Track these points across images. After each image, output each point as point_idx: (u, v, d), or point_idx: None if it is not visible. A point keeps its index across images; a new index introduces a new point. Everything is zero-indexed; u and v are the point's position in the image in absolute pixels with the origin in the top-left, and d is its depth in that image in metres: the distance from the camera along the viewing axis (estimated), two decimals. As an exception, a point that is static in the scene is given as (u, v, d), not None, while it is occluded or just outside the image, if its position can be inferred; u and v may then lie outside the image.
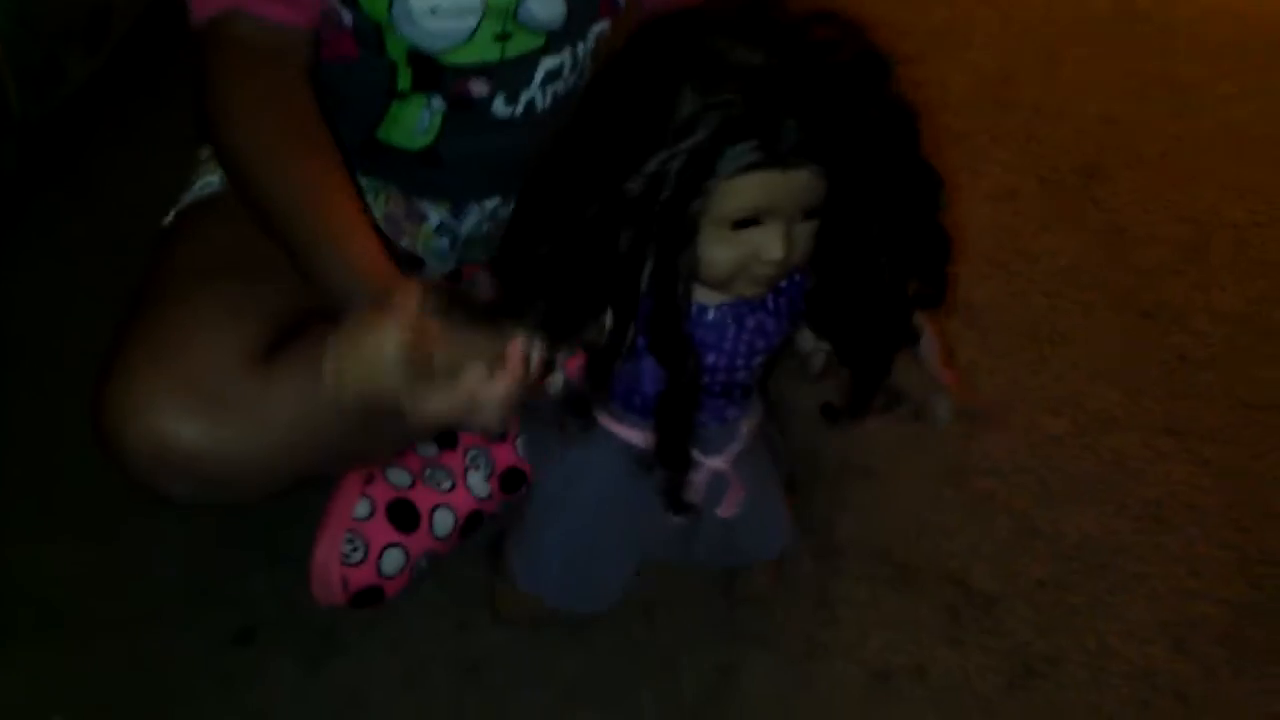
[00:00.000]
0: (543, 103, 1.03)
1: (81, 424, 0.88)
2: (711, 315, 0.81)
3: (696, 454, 0.84)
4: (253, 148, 0.87)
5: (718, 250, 0.74)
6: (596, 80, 0.78)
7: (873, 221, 0.76)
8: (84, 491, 1.02)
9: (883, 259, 0.77)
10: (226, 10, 0.88)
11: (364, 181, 1.05)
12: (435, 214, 1.10)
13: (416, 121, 1.01)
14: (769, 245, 0.73)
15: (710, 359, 0.82)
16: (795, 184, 0.71)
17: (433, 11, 0.92)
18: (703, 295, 0.79)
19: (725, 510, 0.88)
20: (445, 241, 1.11)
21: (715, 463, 0.86)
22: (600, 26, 1.04)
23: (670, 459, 0.82)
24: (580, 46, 1.03)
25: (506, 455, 1.04)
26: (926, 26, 1.71)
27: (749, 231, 0.73)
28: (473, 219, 1.12)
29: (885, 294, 0.79)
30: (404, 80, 0.98)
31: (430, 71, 0.97)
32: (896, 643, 1.02)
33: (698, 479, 0.85)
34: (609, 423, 0.86)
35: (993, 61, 1.65)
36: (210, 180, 1.00)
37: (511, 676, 0.98)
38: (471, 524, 1.04)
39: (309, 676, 0.97)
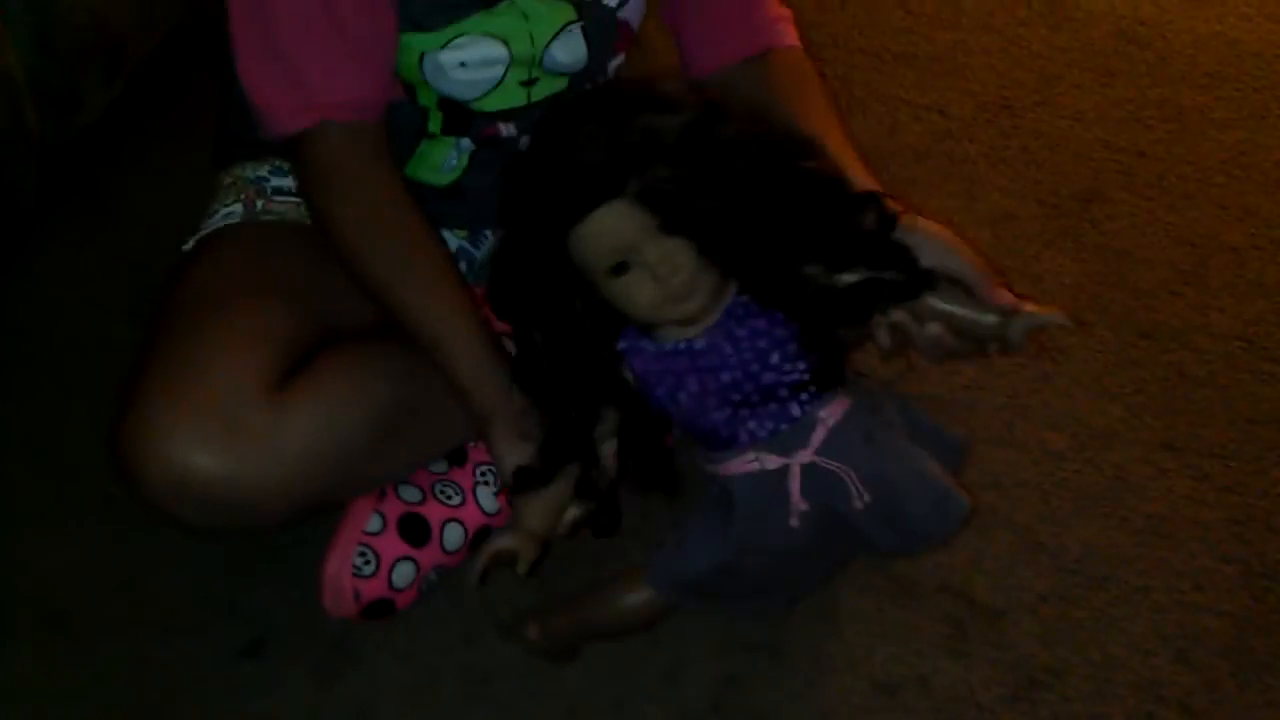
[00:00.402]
0: None
1: (94, 437, 0.90)
2: (702, 343, 0.86)
3: (777, 456, 0.86)
4: (376, 267, 0.92)
5: (625, 299, 0.83)
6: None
7: (750, 226, 0.81)
8: (96, 500, 1.04)
9: (784, 260, 0.84)
10: (313, 126, 0.91)
11: None
12: (453, 240, 1.13)
13: (444, 160, 1.04)
14: (639, 283, 0.81)
15: (725, 378, 0.85)
16: (612, 219, 0.79)
17: (462, 65, 0.95)
18: (679, 332, 0.86)
19: (856, 501, 0.87)
20: (463, 265, 1.13)
21: (803, 457, 0.87)
22: (617, 61, 1.07)
23: (654, 483, 0.90)
24: (600, 80, 1.06)
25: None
26: (928, 52, 1.73)
27: (629, 274, 0.81)
28: (489, 244, 1.15)
29: (806, 286, 0.84)
30: (434, 124, 1.01)
31: (460, 116, 1.00)
32: (900, 655, 1.02)
33: (791, 481, 0.87)
34: (715, 468, 0.89)
35: (993, 87, 1.68)
36: (233, 209, 1.03)
37: (519, 688, 0.99)
38: (480, 538, 1.05)
39: (318, 688, 0.98)
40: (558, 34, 0.97)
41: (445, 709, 0.98)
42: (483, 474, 1.05)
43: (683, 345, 0.86)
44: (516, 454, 0.87)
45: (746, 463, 0.87)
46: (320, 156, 0.92)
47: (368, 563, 0.99)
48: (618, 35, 1.04)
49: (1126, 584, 1.08)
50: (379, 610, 0.99)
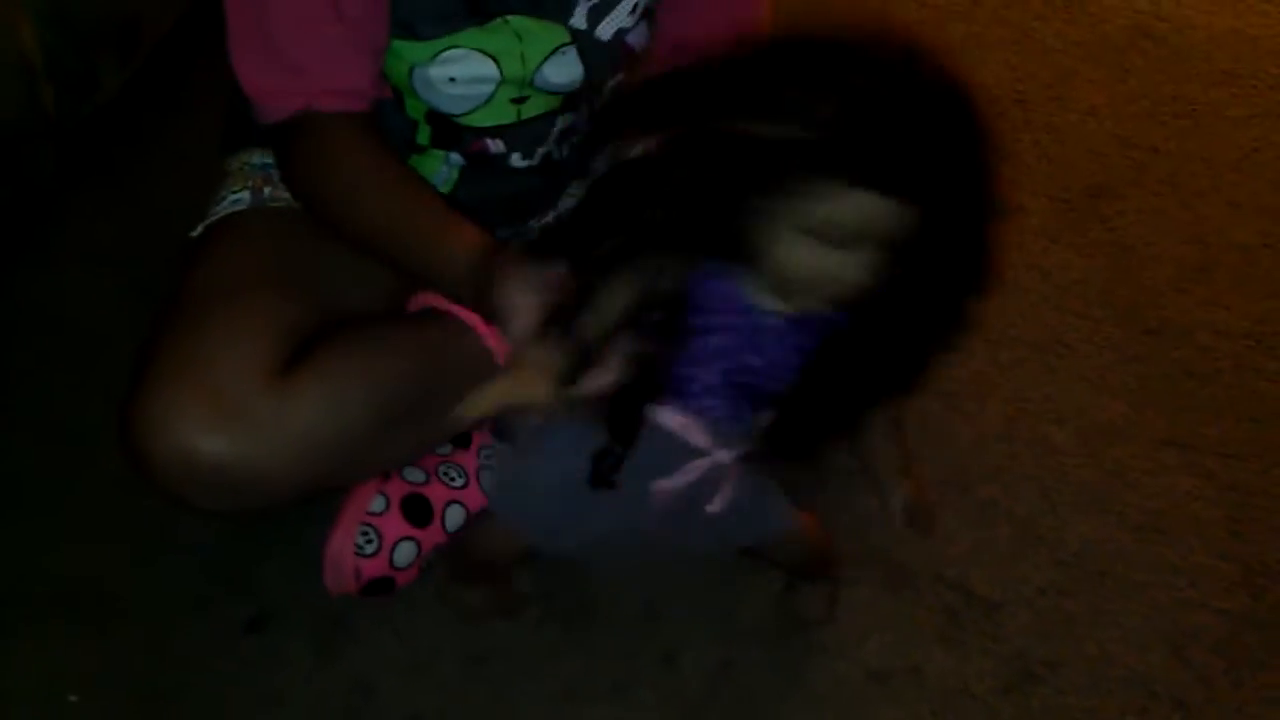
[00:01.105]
0: (559, 154, 1.07)
1: (107, 416, 0.91)
2: (772, 320, 0.80)
3: (709, 445, 0.84)
4: (345, 190, 0.92)
5: (796, 257, 0.74)
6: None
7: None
8: (104, 480, 1.06)
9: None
10: (299, 113, 0.91)
11: None
12: None
13: (435, 174, 1.04)
14: (852, 266, 0.73)
15: (754, 361, 0.82)
16: (880, 210, 0.72)
17: (451, 80, 0.95)
18: (768, 301, 0.79)
19: (714, 504, 0.89)
20: None
21: (722, 456, 0.87)
22: (615, 80, 1.07)
23: (623, 436, 0.82)
24: (596, 101, 1.05)
25: (518, 456, 1.07)
26: (942, 44, 1.73)
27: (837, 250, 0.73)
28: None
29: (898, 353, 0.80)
30: (423, 136, 1.01)
31: (448, 130, 1.00)
32: (895, 644, 1.03)
33: (697, 469, 0.87)
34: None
35: (1007, 81, 1.67)
36: (241, 196, 1.03)
37: (516, 669, 1.00)
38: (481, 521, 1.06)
39: (320, 663, 0.99)
40: (550, 55, 0.97)
41: (444, 687, 0.99)
42: (487, 456, 1.06)
43: (773, 318, 0.79)
44: (522, 294, 0.82)
45: (681, 422, 0.83)
46: (308, 145, 0.93)
47: (370, 541, 1.00)
48: (618, 57, 1.03)
49: (1124, 579, 1.09)
50: (379, 588, 1.01)
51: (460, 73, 0.94)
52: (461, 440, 1.07)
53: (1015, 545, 1.12)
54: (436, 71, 0.94)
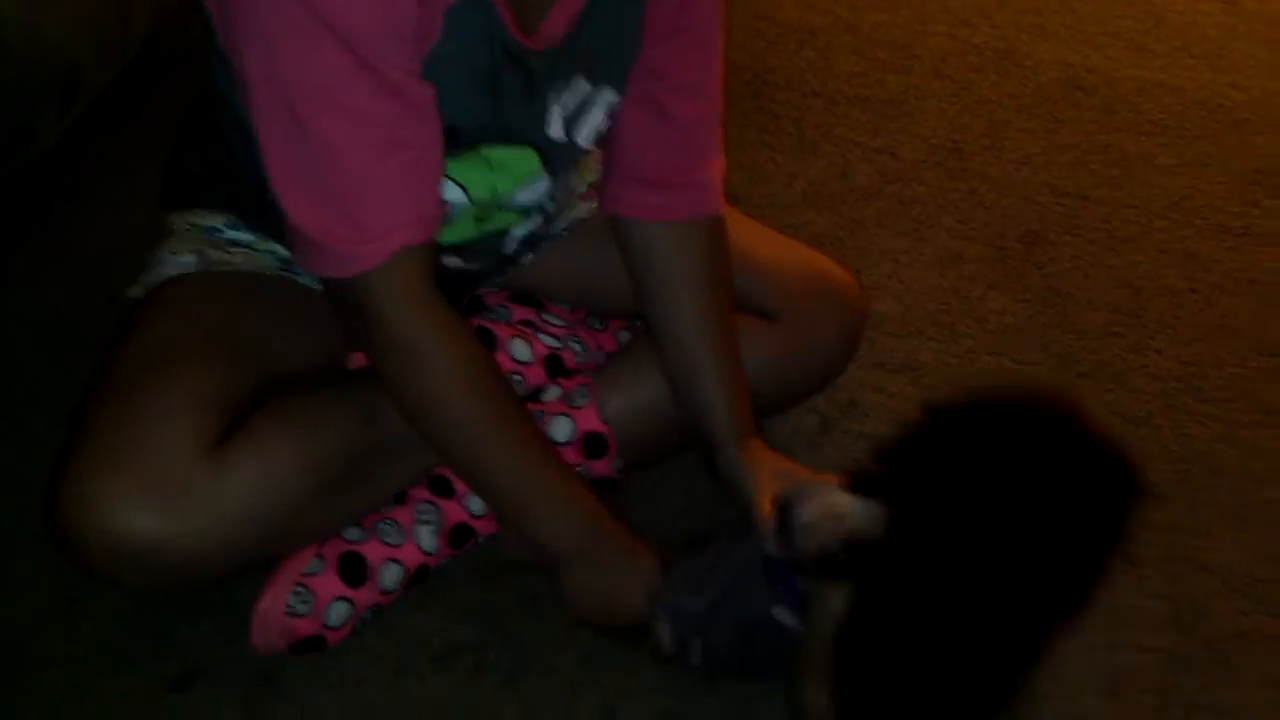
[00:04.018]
0: (513, 250, 1.08)
1: (37, 479, 0.89)
2: None
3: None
4: (451, 440, 0.93)
5: None
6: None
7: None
8: (26, 533, 1.03)
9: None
10: (395, 253, 0.84)
11: None
12: None
13: None
14: None
15: None
16: None
17: None
18: None
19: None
20: None
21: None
22: (572, 175, 1.08)
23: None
24: (551, 205, 1.06)
25: (455, 512, 1.06)
26: (881, 96, 1.77)
27: None
28: None
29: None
30: None
31: None
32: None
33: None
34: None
35: (943, 132, 1.71)
36: (186, 261, 1.02)
37: (451, 722, 0.99)
38: (418, 578, 1.05)
39: (248, 721, 0.98)
40: (520, 184, 0.97)
41: (377, 743, 0.97)
42: (422, 513, 1.05)
43: None
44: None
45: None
46: (385, 312, 0.86)
47: (303, 601, 0.98)
48: (576, 160, 1.05)
49: (1058, 621, 1.09)
50: (310, 646, 0.99)
51: None
52: (398, 496, 1.05)
53: (951, 589, 1.12)
54: None
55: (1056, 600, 0.85)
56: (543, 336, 1.14)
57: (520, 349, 1.12)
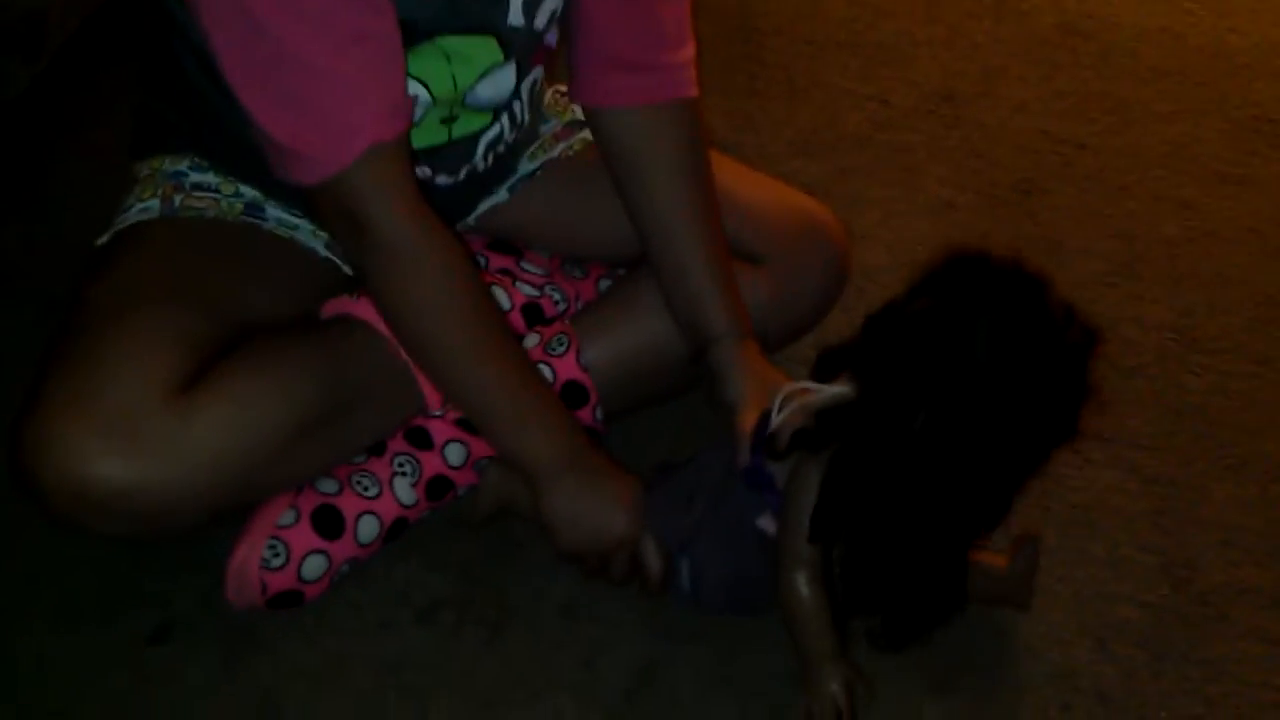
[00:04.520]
0: (484, 166, 1.05)
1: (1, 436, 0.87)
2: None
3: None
4: (443, 347, 0.92)
5: None
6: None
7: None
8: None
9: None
10: (368, 148, 0.82)
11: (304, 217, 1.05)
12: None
13: None
14: None
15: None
16: None
17: None
18: None
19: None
20: None
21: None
22: (535, 75, 1.04)
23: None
24: (517, 105, 1.03)
25: (434, 463, 1.04)
26: (873, 40, 1.73)
27: None
28: None
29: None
30: None
31: None
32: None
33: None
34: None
35: (936, 78, 1.67)
36: (150, 205, 0.99)
37: (431, 677, 0.98)
38: (396, 530, 1.03)
39: (226, 674, 0.96)
40: (483, 75, 0.95)
41: (355, 696, 0.96)
42: (400, 465, 1.03)
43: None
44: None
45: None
46: (371, 214, 0.85)
47: (277, 555, 0.97)
48: (537, 53, 1.01)
49: (1048, 574, 1.08)
50: (286, 601, 0.98)
51: None
52: (376, 448, 1.03)
53: (940, 541, 1.10)
54: None
55: (1026, 449, 0.86)
56: (521, 285, 1.12)
57: (499, 297, 1.09)
